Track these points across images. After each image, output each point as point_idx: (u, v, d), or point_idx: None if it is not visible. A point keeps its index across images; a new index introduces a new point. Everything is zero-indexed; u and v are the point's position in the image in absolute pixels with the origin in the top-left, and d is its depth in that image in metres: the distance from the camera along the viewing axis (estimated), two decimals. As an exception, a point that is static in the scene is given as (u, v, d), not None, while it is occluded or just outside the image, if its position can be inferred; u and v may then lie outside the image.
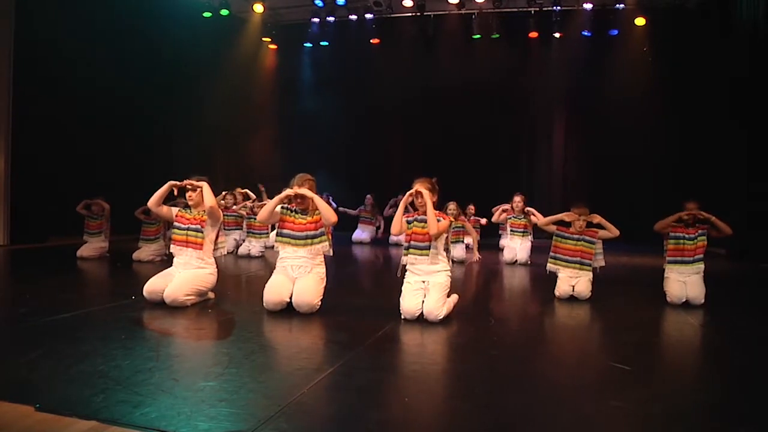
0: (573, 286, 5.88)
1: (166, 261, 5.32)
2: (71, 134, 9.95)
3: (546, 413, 2.84)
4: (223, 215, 9.26)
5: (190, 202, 5.28)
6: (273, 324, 4.59)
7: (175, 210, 5.36)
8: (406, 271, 4.90)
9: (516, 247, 8.80)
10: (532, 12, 12.49)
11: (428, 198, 4.65)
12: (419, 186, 4.74)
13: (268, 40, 14.29)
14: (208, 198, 5.14)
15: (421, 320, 4.61)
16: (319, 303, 4.89)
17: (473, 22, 12.84)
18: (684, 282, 5.66)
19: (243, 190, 9.73)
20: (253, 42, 14.02)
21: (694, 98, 11.10)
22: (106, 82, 10.39)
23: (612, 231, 5.82)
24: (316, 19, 13.62)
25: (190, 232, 5.19)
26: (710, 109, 10.74)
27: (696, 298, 5.57)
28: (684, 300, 5.59)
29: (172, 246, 5.31)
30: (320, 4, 12.98)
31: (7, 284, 6.85)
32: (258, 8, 12.82)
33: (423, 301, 4.67)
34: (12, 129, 9.50)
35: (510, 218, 8.93)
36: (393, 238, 11.25)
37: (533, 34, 12.71)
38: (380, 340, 4.13)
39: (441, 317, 4.58)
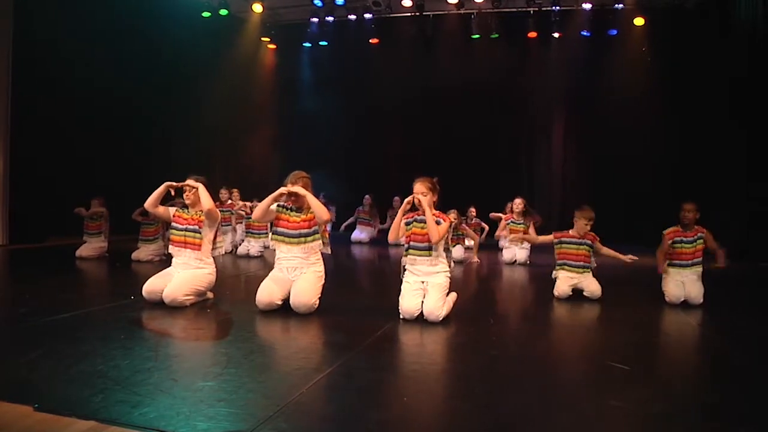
0: (576, 287, 5.91)
1: (165, 261, 5.32)
2: (70, 134, 9.95)
3: (546, 413, 2.84)
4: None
5: (187, 202, 5.28)
6: (272, 324, 4.59)
7: (172, 210, 5.35)
8: (405, 271, 4.89)
9: (515, 247, 8.79)
10: (531, 12, 12.49)
11: (427, 206, 4.64)
12: (420, 186, 4.73)
13: (267, 40, 14.29)
14: (205, 200, 5.13)
15: (420, 320, 4.61)
16: (317, 302, 4.89)
17: (472, 22, 12.84)
18: (682, 282, 5.67)
19: (249, 204, 9.65)
20: (252, 42, 14.02)
21: (693, 98, 11.09)
22: (105, 83, 10.37)
23: (610, 254, 5.94)
24: (315, 19, 13.62)
25: (188, 233, 5.19)
26: (709, 109, 10.73)
27: (695, 298, 5.57)
28: (682, 300, 5.59)
29: (170, 247, 5.31)
30: (319, 4, 12.97)
31: (6, 284, 6.84)
32: (257, 8, 12.81)
33: (422, 302, 4.67)
34: (11, 129, 9.50)
35: (509, 223, 8.87)
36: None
37: (532, 34, 12.71)
38: (379, 340, 4.13)
39: (441, 317, 4.58)
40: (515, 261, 8.71)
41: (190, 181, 5.23)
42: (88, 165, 10.04)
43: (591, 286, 5.85)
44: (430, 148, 13.06)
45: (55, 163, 9.68)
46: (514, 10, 12.57)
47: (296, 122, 14.48)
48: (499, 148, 13.29)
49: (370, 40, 13.48)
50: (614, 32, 12.29)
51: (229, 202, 9.53)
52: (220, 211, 9.14)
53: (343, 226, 12.53)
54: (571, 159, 13.29)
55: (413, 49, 13.35)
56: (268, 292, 4.85)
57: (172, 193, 5.25)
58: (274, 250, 5.06)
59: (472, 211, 10.63)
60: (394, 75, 13.41)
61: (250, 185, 10.97)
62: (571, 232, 6.03)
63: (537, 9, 12.39)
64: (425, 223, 4.70)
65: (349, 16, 13.38)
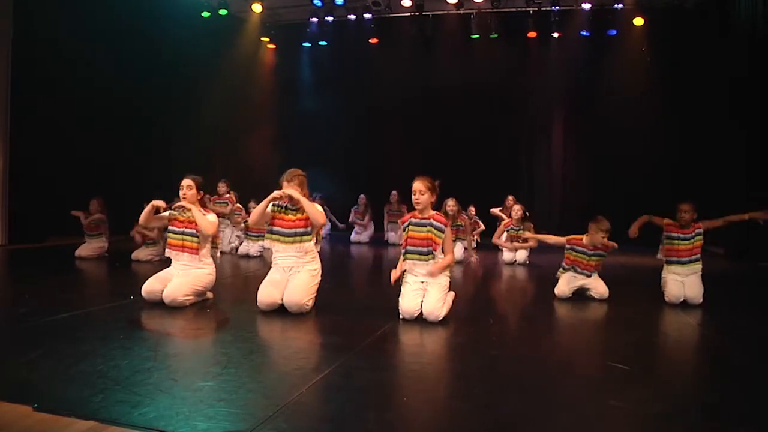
0: (580, 288, 5.90)
1: (165, 261, 5.30)
2: (70, 134, 9.94)
3: (546, 413, 2.84)
4: (213, 203, 9.36)
5: (183, 202, 5.24)
6: (271, 324, 4.58)
7: (167, 214, 5.29)
8: (404, 272, 4.88)
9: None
10: (531, 12, 12.48)
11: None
12: (419, 183, 4.70)
13: (267, 39, 14.28)
14: (201, 222, 5.08)
15: (420, 320, 4.61)
16: (311, 302, 4.88)
17: (472, 22, 12.83)
18: (681, 282, 5.67)
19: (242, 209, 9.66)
20: (252, 42, 14.00)
21: (693, 98, 11.09)
22: (105, 83, 10.37)
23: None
24: (315, 19, 13.61)
25: (186, 237, 5.15)
26: (709, 109, 10.74)
27: (694, 298, 5.57)
28: (682, 299, 5.59)
29: (167, 250, 5.26)
30: (319, 3, 12.96)
31: (6, 284, 6.83)
32: (257, 8, 12.80)
33: (422, 302, 4.66)
34: (11, 129, 9.49)
35: (509, 230, 8.83)
36: (392, 239, 11.26)
37: (532, 34, 12.71)
38: (379, 340, 4.13)
39: (441, 317, 4.58)
40: (515, 261, 8.71)
41: (183, 203, 5.20)
42: (88, 165, 10.04)
43: (599, 288, 5.84)
44: (429, 148, 13.06)
45: (55, 163, 9.68)
46: (514, 10, 12.56)
47: (296, 122, 14.48)
48: (499, 148, 13.28)
49: (370, 40, 13.48)
50: (614, 32, 12.28)
51: (227, 195, 9.52)
52: (216, 203, 9.28)
53: (342, 226, 12.51)
54: (571, 159, 13.29)
55: (413, 49, 13.35)
56: (268, 293, 4.86)
57: (161, 211, 5.20)
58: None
59: (472, 210, 10.63)
60: (394, 75, 13.41)
61: (250, 185, 10.96)
62: (584, 240, 5.93)
63: (536, 9, 12.38)
64: (422, 226, 4.68)
65: (349, 16, 13.37)
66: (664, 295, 5.71)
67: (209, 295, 5.34)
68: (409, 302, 4.65)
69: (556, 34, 12.62)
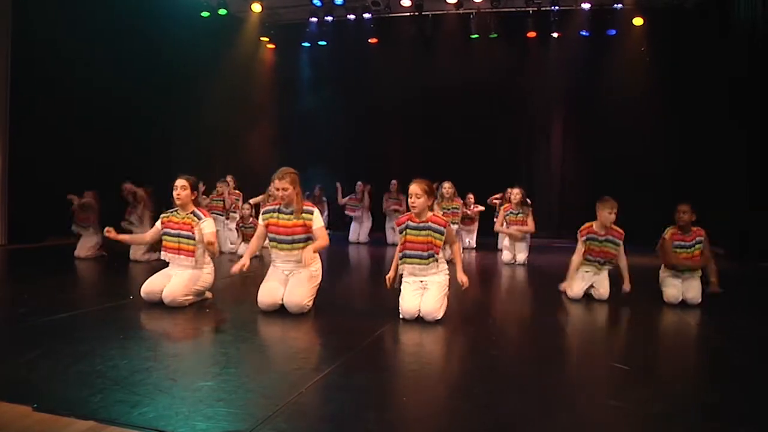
0: (591, 286, 5.84)
1: (163, 261, 5.28)
2: (69, 134, 9.91)
3: (546, 413, 2.83)
4: (211, 200, 9.34)
5: (177, 202, 5.18)
6: (271, 324, 4.58)
7: (161, 219, 5.24)
8: (403, 276, 4.83)
9: (514, 246, 8.75)
10: (530, 12, 12.49)
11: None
12: (415, 187, 4.67)
13: (267, 39, 14.27)
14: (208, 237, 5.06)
15: (419, 320, 4.60)
16: (310, 303, 4.86)
17: (471, 22, 12.85)
18: (680, 281, 5.65)
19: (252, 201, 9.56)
20: (252, 42, 14.00)
21: (692, 98, 11.09)
22: (105, 83, 10.34)
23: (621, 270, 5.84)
24: (314, 19, 13.61)
25: (182, 240, 5.10)
26: (709, 109, 10.74)
27: (693, 299, 5.56)
28: (681, 300, 5.58)
29: (163, 253, 5.22)
30: (318, 3, 12.96)
31: (5, 284, 6.83)
32: (256, 8, 12.79)
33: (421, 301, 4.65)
34: (10, 129, 9.47)
35: (508, 214, 8.79)
36: (390, 239, 11.25)
37: (531, 34, 12.71)
38: (378, 339, 4.12)
39: (439, 317, 4.57)
40: (514, 261, 8.69)
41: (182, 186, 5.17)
42: (87, 165, 10.02)
43: (601, 289, 5.78)
44: (429, 147, 13.06)
45: (54, 163, 9.66)
46: (513, 10, 12.56)
47: (296, 122, 14.48)
48: (498, 148, 13.27)
49: (369, 40, 13.48)
50: (613, 32, 12.29)
51: (226, 193, 9.51)
52: (213, 201, 9.28)
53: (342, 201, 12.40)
54: (571, 159, 13.29)
55: (412, 49, 13.36)
56: (269, 293, 4.84)
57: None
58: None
59: (470, 197, 10.62)
60: (394, 75, 13.41)
61: (250, 185, 10.93)
62: (594, 226, 5.84)
63: (536, 9, 12.39)
64: (420, 230, 4.65)
65: (348, 16, 13.37)
66: (662, 295, 5.70)
67: (208, 295, 5.33)
68: (408, 303, 4.63)
69: (555, 34, 12.63)
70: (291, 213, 4.86)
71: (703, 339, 4.62)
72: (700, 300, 5.55)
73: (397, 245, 4.93)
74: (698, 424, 2.80)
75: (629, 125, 12.10)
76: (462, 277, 4.64)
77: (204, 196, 9.28)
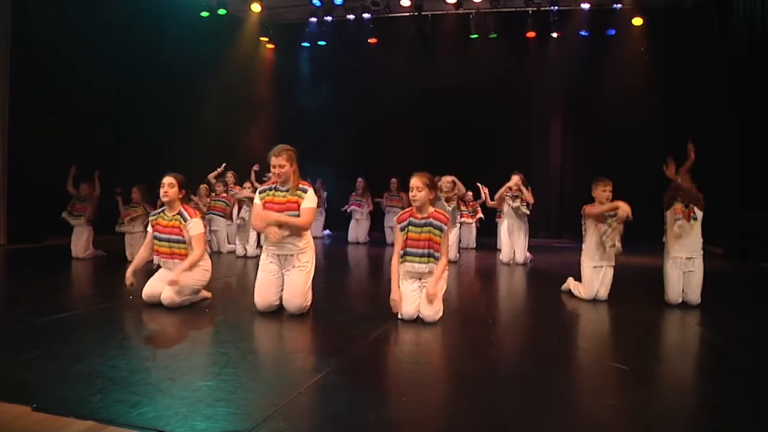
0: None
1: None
2: (69, 134, 9.91)
3: (545, 413, 2.83)
4: (211, 201, 9.34)
5: (164, 199, 5.11)
6: (270, 324, 4.57)
7: (150, 223, 5.19)
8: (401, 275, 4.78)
9: (513, 239, 8.72)
10: (530, 12, 12.49)
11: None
12: (416, 180, 4.63)
13: (266, 39, 14.28)
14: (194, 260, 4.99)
15: (418, 320, 4.59)
16: (309, 300, 4.82)
17: (471, 22, 12.85)
18: (681, 278, 5.61)
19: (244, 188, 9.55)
20: (251, 42, 14.00)
21: (692, 98, 11.09)
22: (104, 83, 10.35)
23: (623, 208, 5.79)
24: (314, 19, 13.61)
25: (173, 245, 5.03)
26: (709, 110, 10.74)
27: (694, 300, 5.55)
28: (681, 300, 5.58)
29: (155, 257, 5.14)
30: (318, 3, 12.97)
31: (5, 284, 6.82)
32: (255, 8, 12.79)
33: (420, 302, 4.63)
34: (9, 128, 9.47)
35: (507, 195, 8.81)
36: (389, 239, 11.25)
37: (531, 34, 12.72)
38: (378, 340, 4.12)
39: (437, 318, 4.57)
40: (513, 261, 8.68)
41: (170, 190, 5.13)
42: (87, 165, 10.02)
43: (603, 288, 5.75)
44: (428, 147, 13.04)
45: (54, 163, 9.65)
46: (513, 9, 12.57)
47: (295, 122, 14.46)
48: (498, 148, 13.27)
49: (369, 40, 13.49)
50: (613, 32, 12.29)
51: (225, 195, 9.51)
52: (213, 201, 9.29)
53: (345, 207, 12.42)
54: (570, 159, 13.29)
55: (412, 49, 13.36)
56: (265, 297, 4.77)
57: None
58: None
59: (469, 194, 10.63)
60: (393, 75, 13.43)
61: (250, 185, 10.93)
62: (594, 210, 5.92)
63: (535, 9, 12.39)
64: (422, 227, 4.59)
65: (348, 16, 13.39)
66: (664, 295, 5.69)
67: (207, 294, 5.33)
68: (408, 304, 4.60)
69: (555, 34, 12.62)
70: (287, 190, 4.75)
71: (703, 339, 4.61)
72: (699, 300, 5.54)
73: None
74: (698, 424, 2.80)
75: (629, 125, 12.10)
76: (431, 290, 4.52)
77: (208, 194, 9.36)
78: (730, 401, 3.08)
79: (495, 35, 12.71)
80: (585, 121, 12.89)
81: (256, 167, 9.97)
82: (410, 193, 4.66)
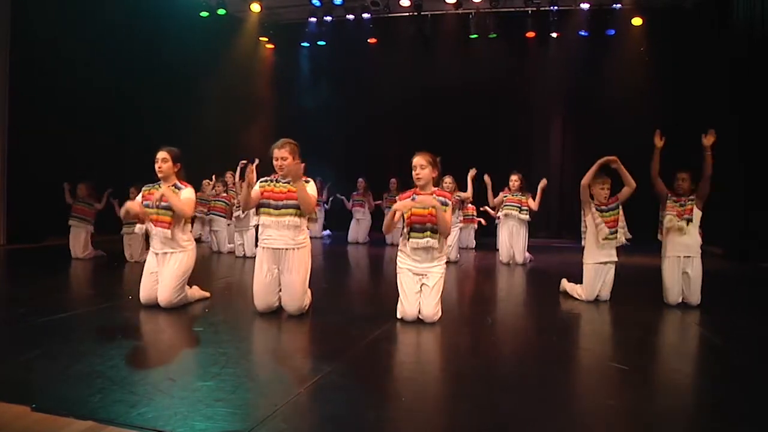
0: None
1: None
2: (69, 134, 9.92)
3: (545, 413, 2.83)
4: (212, 201, 9.34)
5: (160, 175, 5.05)
6: (270, 324, 4.57)
7: (142, 193, 5.13)
8: (400, 257, 4.71)
9: (512, 240, 8.72)
10: (530, 12, 12.48)
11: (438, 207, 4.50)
12: (419, 158, 4.64)
13: (266, 39, 14.28)
14: (177, 206, 4.91)
15: (418, 320, 4.59)
16: (308, 299, 4.81)
17: (470, 22, 12.85)
18: (680, 276, 5.60)
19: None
20: (251, 41, 14.00)
21: (692, 98, 11.08)
22: (104, 83, 10.35)
23: (629, 182, 5.96)
24: (314, 19, 13.61)
25: (160, 211, 4.93)
26: (708, 109, 10.72)
27: (694, 302, 5.54)
28: (681, 300, 5.58)
29: (147, 225, 5.04)
30: (317, 3, 12.97)
31: (4, 284, 6.82)
32: (255, 8, 12.79)
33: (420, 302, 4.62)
34: (9, 128, 9.47)
35: (506, 196, 8.83)
36: (390, 239, 11.25)
37: (530, 34, 12.71)
38: (377, 340, 4.11)
39: (437, 319, 4.57)
40: (510, 262, 8.67)
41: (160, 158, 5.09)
42: (87, 165, 10.02)
43: (605, 289, 5.75)
44: (429, 147, 12.77)
45: (54, 163, 9.66)
46: (512, 9, 12.56)
47: (295, 122, 14.45)
48: (498, 148, 13.25)
49: (369, 40, 13.49)
50: (612, 32, 12.29)
51: (224, 195, 9.51)
52: (213, 201, 9.30)
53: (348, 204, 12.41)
54: (570, 159, 13.28)
55: (412, 49, 13.35)
56: (263, 298, 4.75)
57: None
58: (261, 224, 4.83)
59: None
60: (393, 75, 13.42)
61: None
62: (595, 201, 5.97)
63: (535, 9, 12.38)
64: (425, 204, 4.52)
65: (348, 16, 13.38)
66: (663, 294, 5.68)
67: (207, 294, 5.33)
68: (408, 306, 4.57)
69: (554, 34, 12.62)
70: (288, 182, 4.72)
71: (703, 339, 4.61)
72: (699, 301, 5.54)
73: (397, 245, 4.84)
74: (698, 424, 2.80)
75: (629, 125, 12.07)
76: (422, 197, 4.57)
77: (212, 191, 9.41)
78: (730, 401, 3.08)
79: (495, 35, 12.71)
80: (585, 121, 12.88)
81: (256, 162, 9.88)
82: (413, 172, 4.64)
